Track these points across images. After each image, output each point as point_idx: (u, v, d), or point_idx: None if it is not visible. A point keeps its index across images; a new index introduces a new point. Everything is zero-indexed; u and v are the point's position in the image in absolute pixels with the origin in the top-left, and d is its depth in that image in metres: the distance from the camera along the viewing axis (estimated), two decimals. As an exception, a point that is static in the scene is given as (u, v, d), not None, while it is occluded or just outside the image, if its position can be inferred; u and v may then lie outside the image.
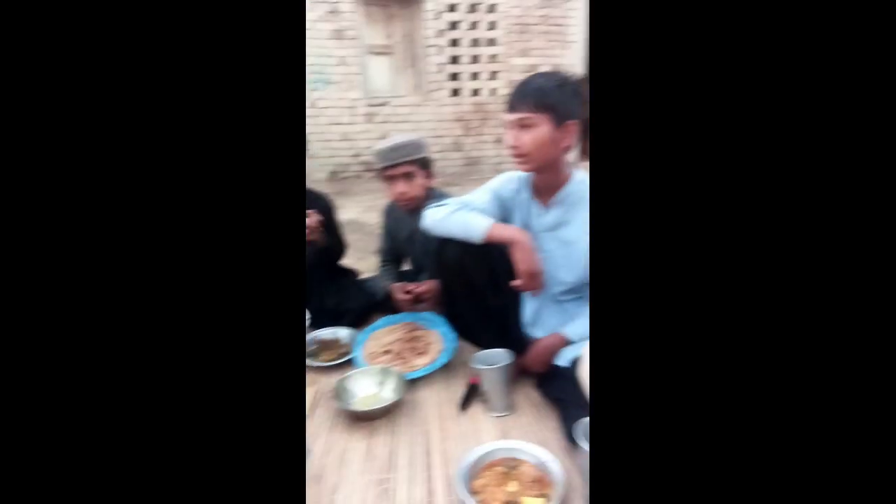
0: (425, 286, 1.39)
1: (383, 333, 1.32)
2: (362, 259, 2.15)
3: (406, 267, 1.66)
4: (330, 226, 1.47)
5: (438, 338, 1.27)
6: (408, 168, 1.36)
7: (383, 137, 4.86)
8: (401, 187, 1.37)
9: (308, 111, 4.64)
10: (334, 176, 4.85)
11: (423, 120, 5.02)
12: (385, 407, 1.00)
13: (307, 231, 1.34)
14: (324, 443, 0.94)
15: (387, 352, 1.24)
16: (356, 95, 4.81)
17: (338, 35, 4.64)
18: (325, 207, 1.48)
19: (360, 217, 3.19)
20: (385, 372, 1.11)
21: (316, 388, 1.14)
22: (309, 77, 4.64)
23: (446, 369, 1.17)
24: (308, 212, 1.35)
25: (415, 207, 1.42)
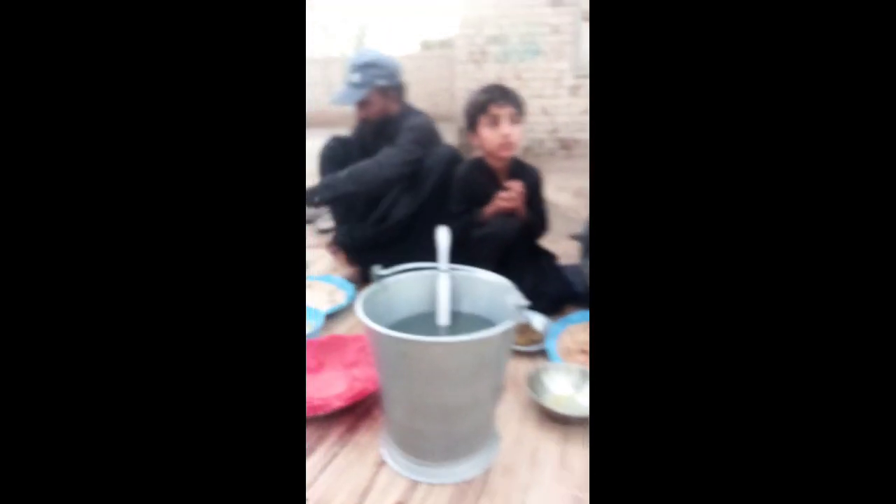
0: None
1: (580, 329, 1.20)
2: (554, 242, 2.03)
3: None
4: (534, 201, 1.39)
5: (648, 350, 1.09)
6: None
7: (586, 113, 4.56)
8: None
9: (513, 83, 4.64)
10: (528, 152, 4.79)
11: (635, 95, 4.49)
12: (585, 417, 0.90)
13: (510, 201, 1.27)
14: (514, 433, 0.89)
15: (584, 351, 1.12)
16: (564, 66, 4.57)
17: (556, 2, 4.43)
18: (533, 181, 1.40)
19: (553, 198, 3.05)
20: (585, 375, 1.00)
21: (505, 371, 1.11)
22: (518, 47, 4.59)
23: (656, 390, 1.00)
24: (510, 182, 1.29)
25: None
